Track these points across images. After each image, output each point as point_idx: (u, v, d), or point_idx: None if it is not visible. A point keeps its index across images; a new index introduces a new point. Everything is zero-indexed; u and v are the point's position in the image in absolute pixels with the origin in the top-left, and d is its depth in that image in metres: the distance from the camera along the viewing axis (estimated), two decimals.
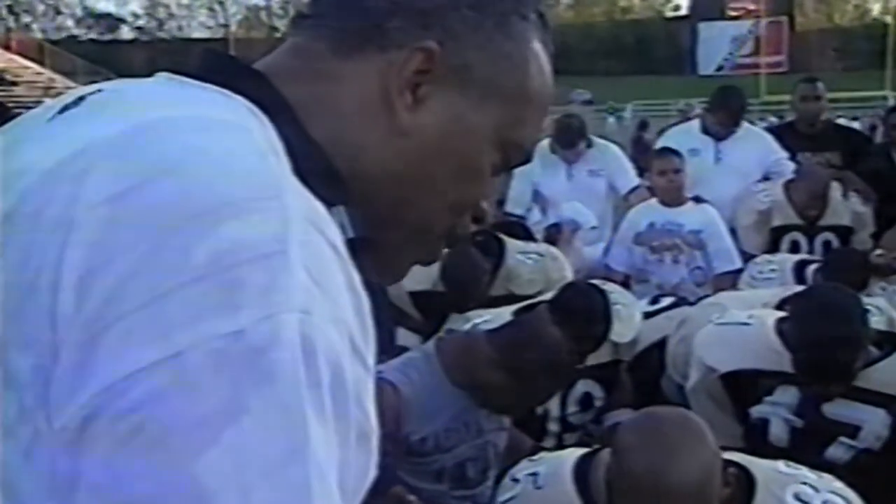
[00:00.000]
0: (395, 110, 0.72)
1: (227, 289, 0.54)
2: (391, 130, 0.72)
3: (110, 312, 0.54)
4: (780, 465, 1.78)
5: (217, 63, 0.74)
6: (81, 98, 0.69)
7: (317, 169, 0.65)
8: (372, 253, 0.65)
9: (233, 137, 0.63)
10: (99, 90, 0.70)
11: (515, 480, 1.88)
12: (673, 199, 4.12)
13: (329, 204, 0.63)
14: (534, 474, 1.85)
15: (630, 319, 2.92)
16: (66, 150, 0.61)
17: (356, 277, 0.62)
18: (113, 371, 0.53)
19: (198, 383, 0.53)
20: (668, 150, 4.32)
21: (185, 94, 0.68)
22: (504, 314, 2.81)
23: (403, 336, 3.31)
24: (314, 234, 0.59)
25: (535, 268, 3.48)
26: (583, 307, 2.75)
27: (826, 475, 1.77)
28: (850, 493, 1.73)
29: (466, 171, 0.76)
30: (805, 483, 1.71)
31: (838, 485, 1.74)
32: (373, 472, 0.64)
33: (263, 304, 0.54)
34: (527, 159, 0.81)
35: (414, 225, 0.76)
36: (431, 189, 0.75)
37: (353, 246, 0.63)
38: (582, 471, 1.79)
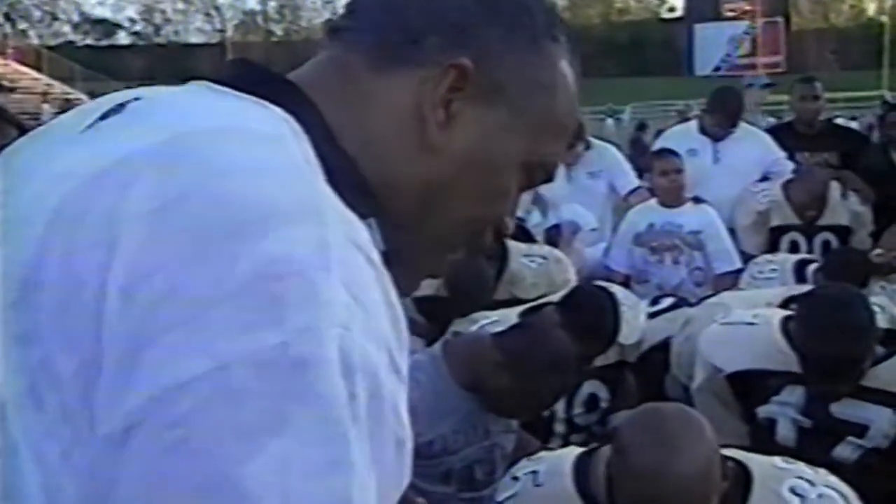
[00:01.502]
0: (426, 126, 0.73)
1: (271, 302, 0.55)
2: (421, 145, 0.73)
3: (155, 323, 0.55)
4: (777, 460, 1.79)
5: (251, 73, 0.74)
6: (122, 105, 0.70)
7: (349, 181, 0.67)
8: (395, 264, 0.66)
9: (273, 151, 0.63)
10: (137, 98, 0.71)
11: (515, 479, 1.88)
12: (674, 199, 4.12)
13: (360, 216, 0.64)
14: (533, 472, 1.86)
15: (635, 321, 2.92)
16: (109, 157, 0.62)
17: (392, 291, 0.63)
18: (158, 381, 0.54)
19: (242, 395, 0.54)
20: (668, 151, 4.33)
21: (222, 103, 0.69)
22: (510, 315, 2.81)
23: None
24: (352, 249, 0.60)
25: (539, 271, 3.49)
26: (592, 310, 2.75)
27: (822, 470, 1.78)
28: (845, 488, 1.74)
29: (492, 188, 0.77)
30: (801, 477, 1.72)
31: (833, 479, 1.76)
32: (408, 478, 0.65)
33: (305, 318, 0.55)
34: (549, 179, 0.82)
35: (434, 238, 0.77)
36: (456, 204, 0.75)
37: (386, 258, 0.64)
38: (581, 468, 1.80)
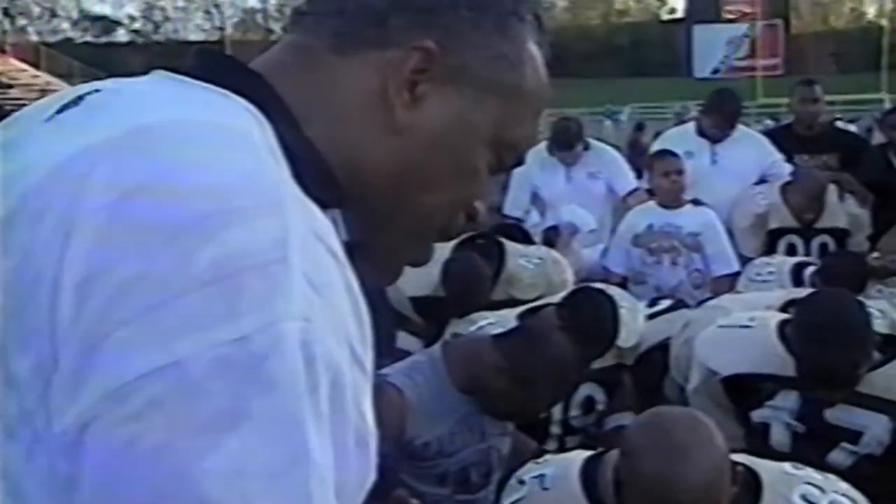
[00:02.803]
0: (392, 109, 0.72)
1: (229, 296, 0.55)
2: (388, 129, 0.72)
3: (111, 318, 0.54)
4: (787, 466, 1.79)
5: (213, 62, 0.74)
6: (80, 98, 0.69)
7: (313, 171, 0.66)
8: (367, 255, 0.65)
9: (233, 143, 0.63)
10: (97, 89, 0.70)
11: (522, 482, 1.87)
12: (674, 200, 4.12)
13: (325, 206, 0.64)
14: (540, 476, 1.85)
15: (633, 323, 2.92)
16: (66, 152, 0.61)
17: (355, 283, 0.62)
18: (114, 377, 0.53)
19: (199, 390, 0.53)
20: (669, 152, 4.32)
21: (183, 94, 0.68)
22: (509, 317, 2.81)
23: (404, 340, 3.31)
24: (314, 241, 0.59)
25: (537, 272, 3.48)
26: (591, 313, 2.75)
27: (831, 476, 1.78)
28: (856, 494, 1.74)
29: (462, 170, 0.76)
30: (811, 483, 1.72)
31: (844, 485, 1.75)
32: (372, 475, 0.64)
33: (264, 312, 0.55)
34: (519, 161, 0.81)
35: (409, 224, 0.76)
36: (427, 188, 0.75)
37: (349, 249, 0.64)
38: (589, 472, 1.79)
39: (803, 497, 1.68)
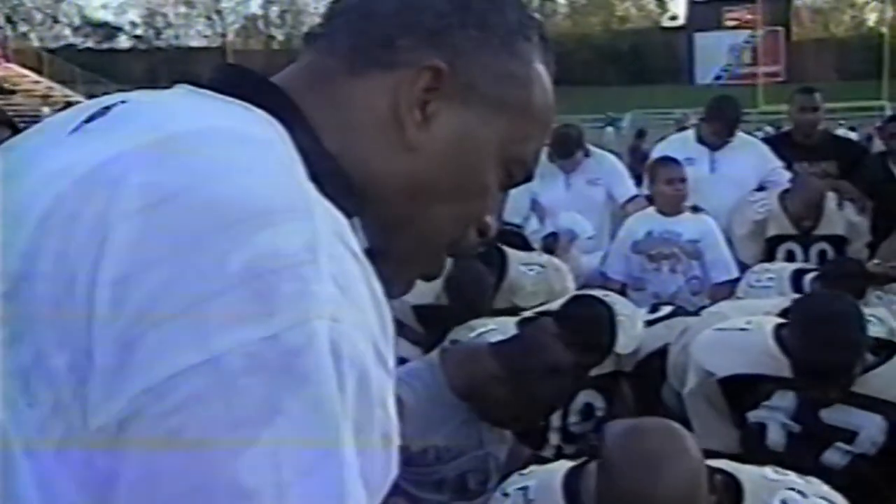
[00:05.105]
0: (404, 126, 0.74)
1: (261, 296, 0.57)
2: (400, 146, 0.74)
3: (148, 317, 0.56)
4: (768, 471, 1.79)
5: (235, 76, 0.76)
6: (107, 108, 0.71)
7: (334, 181, 0.68)
8: (379, 265, 0.67)
9: (260, 150, 0.65)
10: (124, 101, 0.72)
11: (506, 495, 1.89)
12: (675, 208, 4.12)
13: (345, 214, 0.65)
14: (524, 488, 1.86)
15: (632, 330, 2.93)
16: (98, 158, 0.63)
17: (377, 286, 0.64)
18: (152, 374, 0.55)
19: (235, 386, 0.55)
20: (672, 160, 4.31)
21: (207, 105, 0.71)
22: (508, 324, 2.82)
23: (404, 347, 3.31)
24: (339, 244, 0.62)
25: (538, 279, 3.49)
26: (588, 321, 2.75)
27: (814, 479, 1.79)
28: (838, 498, 1.74)
29: (471, 186, 0.78)
30: (793, 489, 1.72)
31: (825, 489, 1.76)
32: (395, 472, 0.66)
33: (295, 311, 0.57)
34: (529, 177, 0.83)
35: (419, 238, 0.78)
36: (437, 203, 0.77)
37: (369, 255, 0.66)
38: (572, 483, 1.80)
39: (784, 502, 1.69)
